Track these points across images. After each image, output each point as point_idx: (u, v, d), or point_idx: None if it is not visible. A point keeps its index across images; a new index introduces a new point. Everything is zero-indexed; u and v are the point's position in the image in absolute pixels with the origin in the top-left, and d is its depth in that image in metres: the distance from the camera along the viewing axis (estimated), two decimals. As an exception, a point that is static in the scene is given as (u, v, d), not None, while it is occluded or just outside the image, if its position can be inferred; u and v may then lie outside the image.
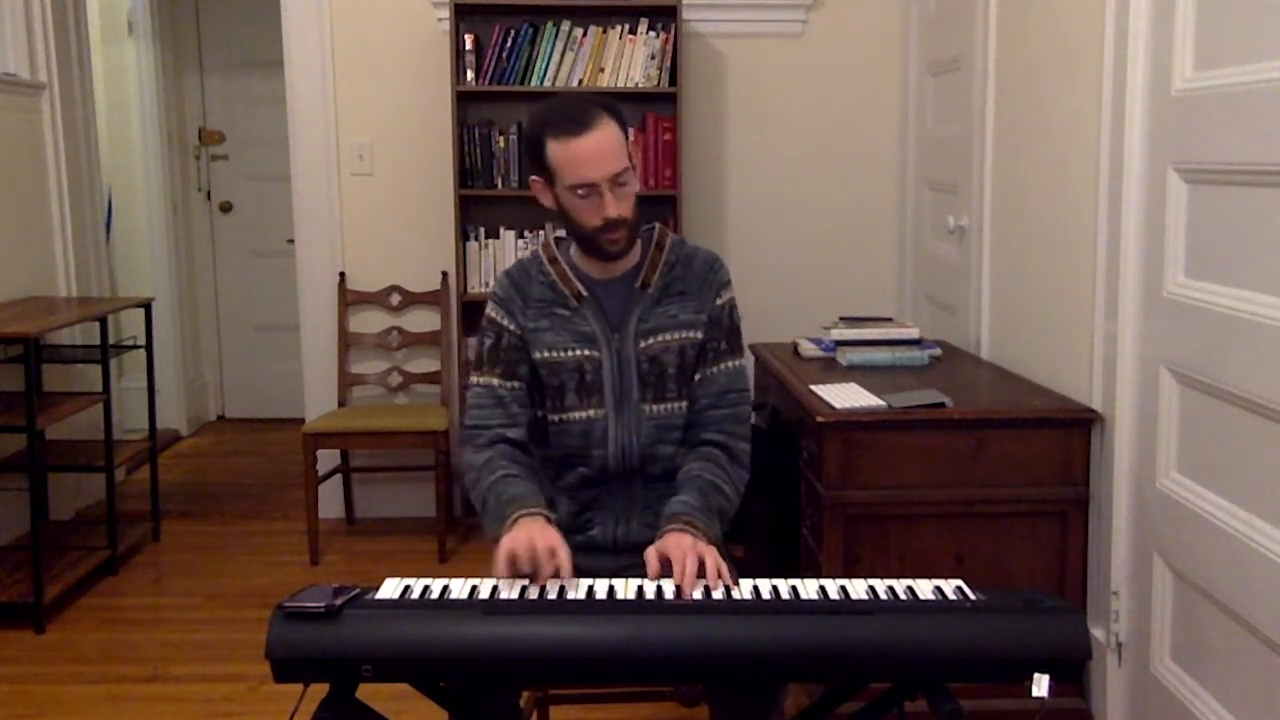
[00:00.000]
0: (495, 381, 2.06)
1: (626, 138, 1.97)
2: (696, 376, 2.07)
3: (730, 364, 2.09)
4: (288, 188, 4.38)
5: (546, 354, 2.04)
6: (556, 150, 1.93)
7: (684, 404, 2.07)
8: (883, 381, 2.86)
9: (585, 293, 2.05)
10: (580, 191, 1.93)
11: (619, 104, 2.02)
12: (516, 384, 2.06)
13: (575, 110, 1.93)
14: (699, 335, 2.06)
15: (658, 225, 2.11)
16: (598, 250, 2.00)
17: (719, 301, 2.09)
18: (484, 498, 1.96)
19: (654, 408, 2.04)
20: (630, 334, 2.04)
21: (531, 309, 2.06)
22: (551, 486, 2.10)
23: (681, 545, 1.75)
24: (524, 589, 1.67)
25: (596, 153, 1.91)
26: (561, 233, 2.12)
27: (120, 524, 3.90)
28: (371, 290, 4.29)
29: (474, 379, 2.10)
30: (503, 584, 1.69)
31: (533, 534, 1.76)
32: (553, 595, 1.66)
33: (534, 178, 2.02)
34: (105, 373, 3.78)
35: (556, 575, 1.72)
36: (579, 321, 2.04)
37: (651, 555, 1.77)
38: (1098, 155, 2.58)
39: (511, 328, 2.06)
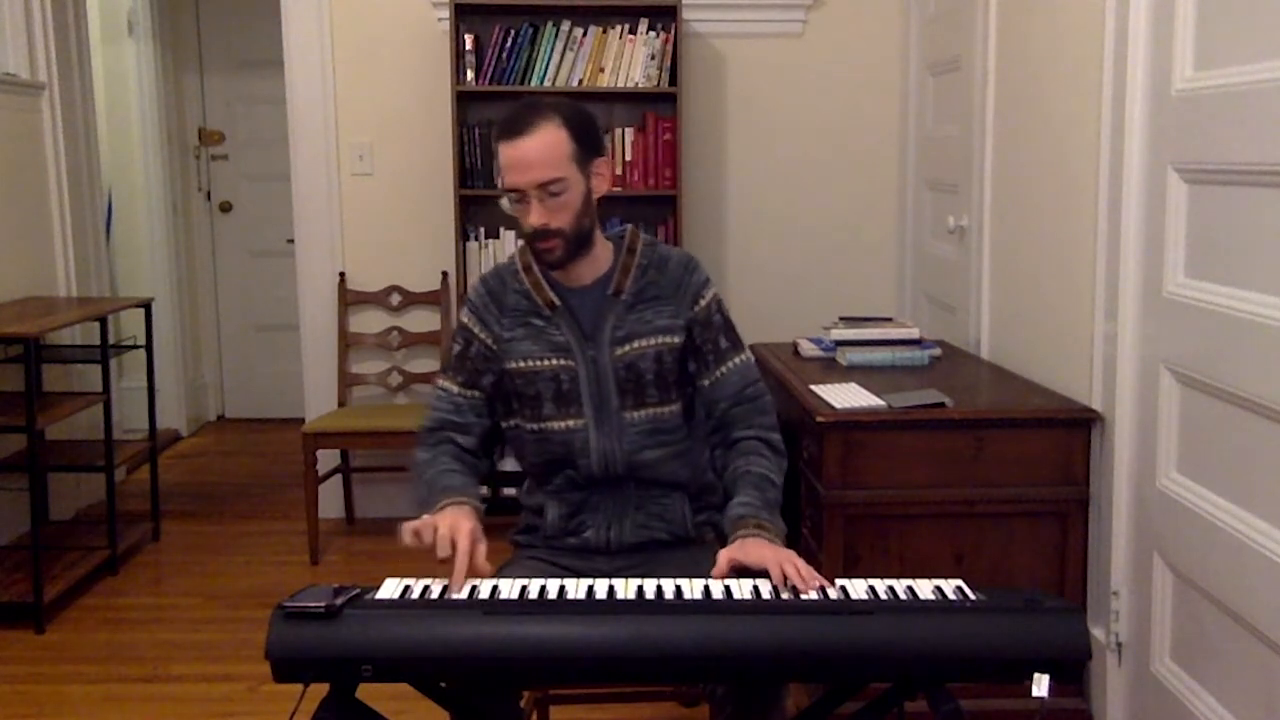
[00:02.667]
0: (455, 389, 2.06)
1: (586, 146, 1.91)
2: (705, 381, 2.05)
3: (737, 359, 2.07)
4: (288, 188, 4.38)
5: (521, 364, 2.01)
6: (500, 151, 1.90)
7: (667, 409, 2.03)
8: (883, 381, 2.86)
9: (557, 301, 2.01)
10: (513, 196, 1.90)
11: (580, 105, 1.96)
12: (475, 393, 2.05)
13: (520, 113, 1.89)
14: (677, 340, 2.02)
15: (629, 228, 2.08)
16: (536, 258, 1.98)
17: (701, 303, 2.04)
18: (425, 490, 1.99)
19: (635, 414, 2.01)
20: (605, 342, 2.00)
21: (507, 318, 2.03)
22: (540, 492, 2.09)
23: (764, 557, 1.73)
24: (524, 589, 1.67)
25: (524, 159, 1.86)
26: None
27: (120, 524, 3.90)
28: (371, 290, 4.29)
29: (438, 380, 2.10)
30: (502, 584, 1.68)
31: (438, 519, 1.79)
32: (553, 595, 1.66)
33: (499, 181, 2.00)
34: (105, 373, 3.78)
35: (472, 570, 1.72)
36: (553, 331, 2.01)
37: (724, 560, 1.75)
38: (1098, 155, 2.58)
39: (482, 336, 2.04)
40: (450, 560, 1.72)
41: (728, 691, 1.86)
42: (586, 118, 1.95)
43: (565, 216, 1.91)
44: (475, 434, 2.06)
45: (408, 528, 1.77)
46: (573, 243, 1.94)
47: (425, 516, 1.81)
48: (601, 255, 2.03)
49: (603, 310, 2.01)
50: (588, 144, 1.92)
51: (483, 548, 1.76)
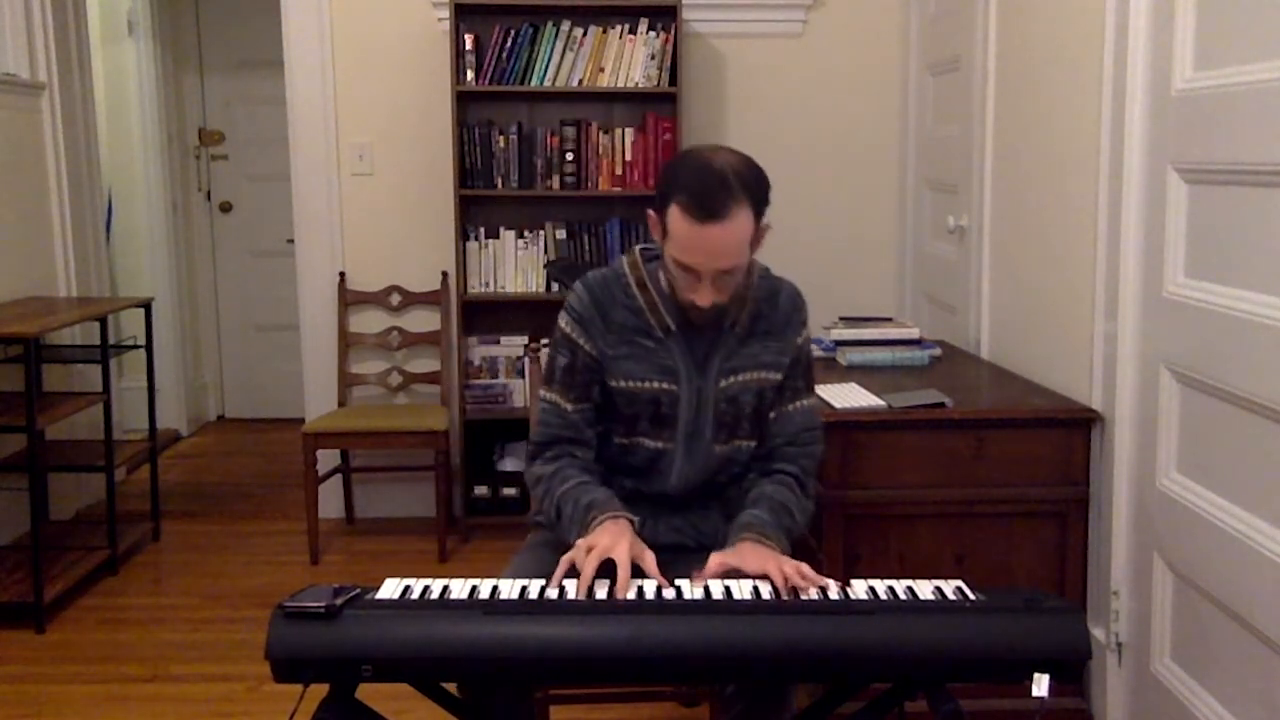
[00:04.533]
0: (568, 406, 2.01)
1: (760, 217, 1.84)
2: (772, 414, 2.04)
3: (805, 402, 2.06)
4: (288, 188, 4.38)
5: (624, 383, 1.98)
6: (677, 220, 1.81)
7: (751, 443, 2.04)
8: (883, 381, 2.86)
9: (673, 326, 1.97)
10: (682, 267, 1.85)
11: (757, 166, 1.84)
12: (586, 406, 2.02)
13: (713, 191, 1.78)
14: (778, 377, 2.01)
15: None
16: (684, 311, 1.94)
17: (799, 340, 2.04)
18: (557, 504, 1.94)
19: (724, 447, 2.01)
20: (713, 373, 1.98)
21: (613, 333, 1.98)
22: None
23: (764, 561, 1.73)
24: (524, 589, 1.67)
25: (710, 248, 1.80)
26: (649, 245, 2.05)
27: (120, 524, 3.90)
28: (371, 290, 4.29)
29: (544, 392, 2.04)
30: (502, 584, 1.68)
31: (594, 541, 1.74)
32: (553, 595, 1.66)
33: (652, 212, 1.91)
34: (105, 373, 3.78)
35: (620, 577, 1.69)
36: (663, 354, 1.98)
37: (714, 561, 1.75)
38: (1098, 155, 2.58)
39: (587, 348, 1.99)
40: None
41: (736, 691, 1.86)
42: (765, 186, 1.85)
43: (727, 292, 1.88)
44: (591, 444, 2.04)
45: (561, 564, 1.73)
46: (723, 309, 1.92)
47: (580, 541, 1.77)
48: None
49: (715, 341, 1.99)
50: (762, 213, 1.86)
51: (650, 556, 1.74)
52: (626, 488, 2.05)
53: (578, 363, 2.00)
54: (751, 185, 1.82)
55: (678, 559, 2.01)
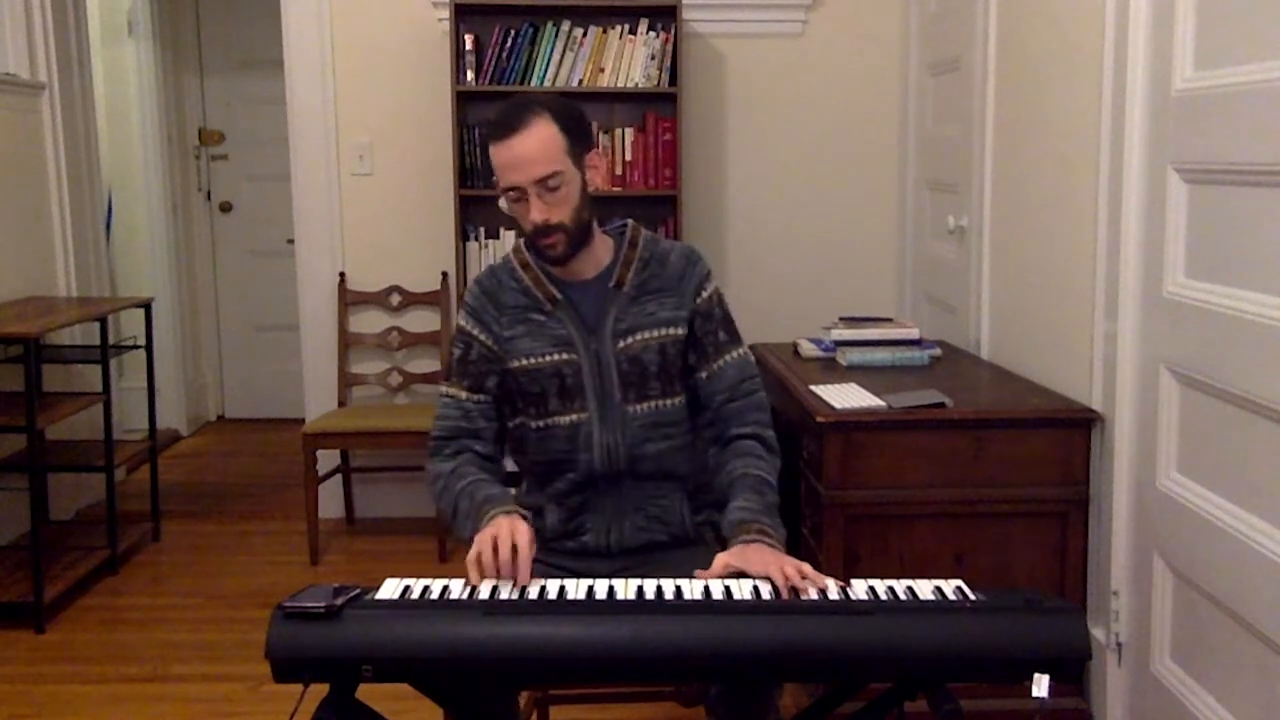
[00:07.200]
0: (463, 395, 2.05)
1: (577, 139, 1.92)
2: (703, 374, 2.05)
3: (735, 353, 2.07)
4: (288, 188, 4.38)
5: (525, 361, 2.01)
6: (492, 153, 1.91)
7: (669, 401, 2.04)
8: (883, 381, 2.86)
9: (559, 296, 2.02)
10: (511, 195, 1.91)
11: (566, 99, 1.97)
12: (483, 397, 2.05)
13: (508, 112, 1.90)
14: (680, 332, 2.03)
15: (630, 222, 2.09)
16: (539, 254, 1.99)
17: (704, 295, 2.05)
18: (455, 503, 1.95)
19: (637, 407, 2.02)
20: (607, 334, 2.01)
21: (506, 316, 2.03)
22: (540, 494, 2.09)
23: (767, 564, 1.73)
24: (524, 590, 1.67)
25: (519, 157, 1.87)
26: None
27: (120, 524, 3.90)
28: (371, 290, 4.29)
29: (443, 388, 2.08)
30: (502, 585, 1.68)
31: (498, 529, 1.75)
32: (553, 595, 1.66)
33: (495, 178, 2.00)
34: (105, 373, 3.78)
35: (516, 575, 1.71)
36: (554, 325, 2.01)
37: (719, 564, 1.75)
38: (1098, 155, 2.58)
39: (483, 338, 2.03)
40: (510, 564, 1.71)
41: (720, 693, 1.86)
42: (575, 111, 1.96)
43: (565, 210, 1.92)
44: (489, 439, 2.06)
45: (471, 562, 1.73)
46: (574, 236, 1.95)
47: (477, 535, 1.78)
48: (601, 250, 2.04)
49: (605, 303, 2.02)
50: (579, 137, 1.94)
51: (527, 557, 1.74)
52: (563, 488, 2.04)
53: (471, 354, 2.04)
54: (553, 104, 1.92)
55: (656, 557, 2.02)
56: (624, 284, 2.02)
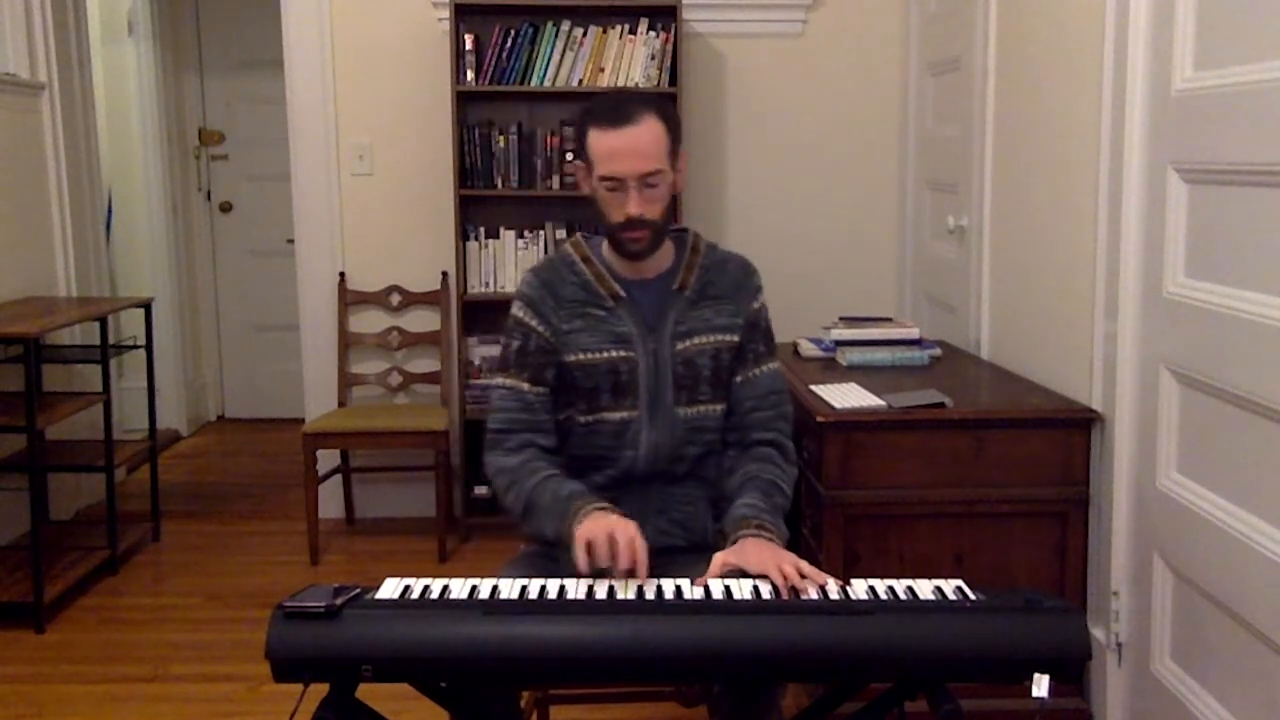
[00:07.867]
0: (524, 386, 2.04)
1: (675, 141, 1.97)
2: (738, 379, 2.08)
3: (769, 366, 2.11)
4: (288, 188, 4.38)
5: (581, 356, 2.02)
6: (595, 139, 1.93)
7: (716, 407, 2.07)
8: (883, 381, 2.86)
9: (622, 293, 2.03)
10: (609, 184, 1.93)
11: (672, 106, 2.02)
12: (543, 389, 2.04)
13: (621, 104, 1.93)
14: (735, 339, 2.06)
15: (691, 229, 2.12)
16: (619, 247, 2.01)
17: (755, 305, 2.10)
18: (529, 498, 1.95)
19: (687, 410, 2.04)
20: (666, 336, 2.03)
21: (564, 309, 2.03)
22: None
23: (764, 561, 1.73)
24: (524, 589, 1.67)
25: (629, 149, 1.90)
26: (588, 233, 2.13)
27: (120, 524, 3.90)
28: (371, 290, 4.29)
29: (499, 380, 2.07)
30: (502, 584, 1.68)
31: (611, 524, 1.76)
32: (553, 595, 1.66)
33: (578, 161, 2.02)
34: (105, 373, 3.78)
35: (632, 574, 1.71)
36: (615, 322, 2.02)
37: (718, 563, 1.76)
38: (1098, 155, 2.58)
39: (541, 329, 2.03)
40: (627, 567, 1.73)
41: (723, 692, 1.86)
42: (675, 113, 2.00)
43: (658, 208, 1.96)
44: (550, 431, 2.06)
45: (580, 549, 1.74)
46: (658, 234, 1.99)
47: (577, 529, 1.78)
48: (664, 251, 2.06)
49: (666, 304, 2.04)
50: (677, 138, 1.98)
51: (645, 555, 1.76)
52: (599, 484, 2.04)
53: (530, 344, 2.04)
54: (657, 102, 1.96)
55: (671, 560, 2.02)
56: (686, 288, 2.05)
